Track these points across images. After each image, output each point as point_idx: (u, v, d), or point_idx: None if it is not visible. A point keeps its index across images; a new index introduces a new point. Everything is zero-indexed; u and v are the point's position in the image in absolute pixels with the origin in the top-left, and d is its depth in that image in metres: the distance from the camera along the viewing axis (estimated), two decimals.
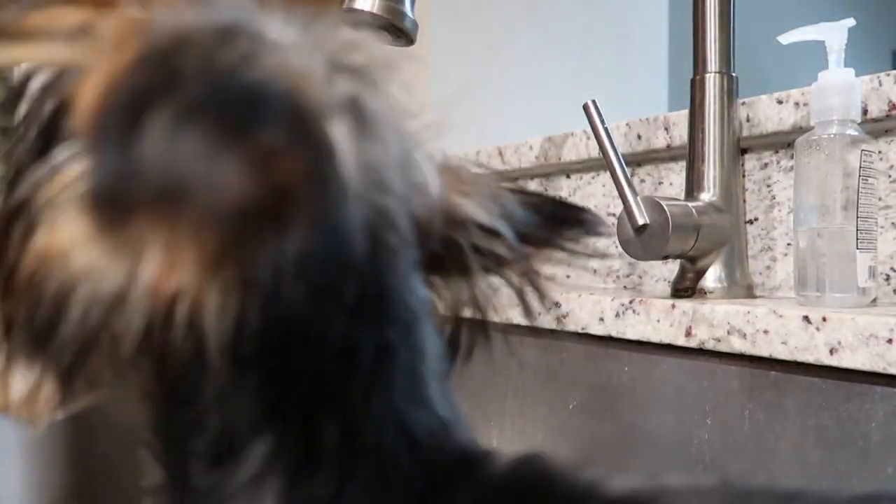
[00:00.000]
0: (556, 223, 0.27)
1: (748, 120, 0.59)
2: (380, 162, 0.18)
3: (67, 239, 0.16)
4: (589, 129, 0.59)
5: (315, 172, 0.16)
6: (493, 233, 0.24)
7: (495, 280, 0.27)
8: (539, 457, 0.21)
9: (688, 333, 0.49)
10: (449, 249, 0.24)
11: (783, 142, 0.59)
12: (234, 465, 0.19)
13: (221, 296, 0.16)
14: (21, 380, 0.21)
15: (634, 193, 0.54)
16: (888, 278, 0.52)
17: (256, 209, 0.15)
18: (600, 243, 0.75)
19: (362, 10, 0.59)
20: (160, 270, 0.16)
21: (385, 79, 0.21)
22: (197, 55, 0.16)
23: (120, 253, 0.16)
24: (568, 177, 0.80)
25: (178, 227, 0.15)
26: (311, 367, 0.18)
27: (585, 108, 0.58)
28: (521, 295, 0.27)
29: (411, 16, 0.61)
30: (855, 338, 0.40)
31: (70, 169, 0.17)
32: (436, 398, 0.20)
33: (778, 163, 0.59)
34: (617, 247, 0.72)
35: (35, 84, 0.18)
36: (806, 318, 0.42)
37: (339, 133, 0.17)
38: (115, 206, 0.15)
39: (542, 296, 0.27)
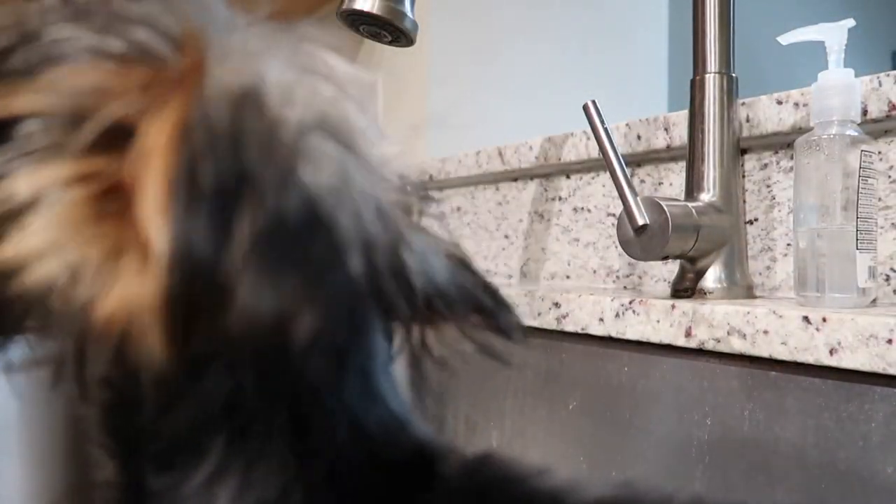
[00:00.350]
0: (472, 307, 0.26)
1: (748, 120, 0.59)
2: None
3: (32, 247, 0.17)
4: (589, 130, 0.59)
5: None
6: (409, 285, 0.24)
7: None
8: (498, 457, 0.21)
9: (688, 334, 0.49)
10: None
11: (783, 142, 0.59)
12: (189, 468, 0.19)
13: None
14: None
15: (634, 194, 0.54)
16: (888, 279, 0.52)
17: None
18: (599, 243, 0.75)
19: (362, 11, 0.59)
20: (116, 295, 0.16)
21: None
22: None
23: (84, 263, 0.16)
24: (568, 177, 0.80)
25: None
26: (264, 368, 0.19)
27: (585, 108, 0.58)
28: (410, 347, 0.26)
29: (411, 16, 0.61)
30: (855, 338, 0.40)
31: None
32: (388, 394, 0.20)
33: (778, 163, 0.59)
34: (617, 247, 0.72)
35: None
36: (806, 319, 0.42)
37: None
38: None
39: (425, 357, 0.27)
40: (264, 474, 0.18)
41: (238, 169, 0.16)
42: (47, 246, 0.16)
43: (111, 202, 0.17)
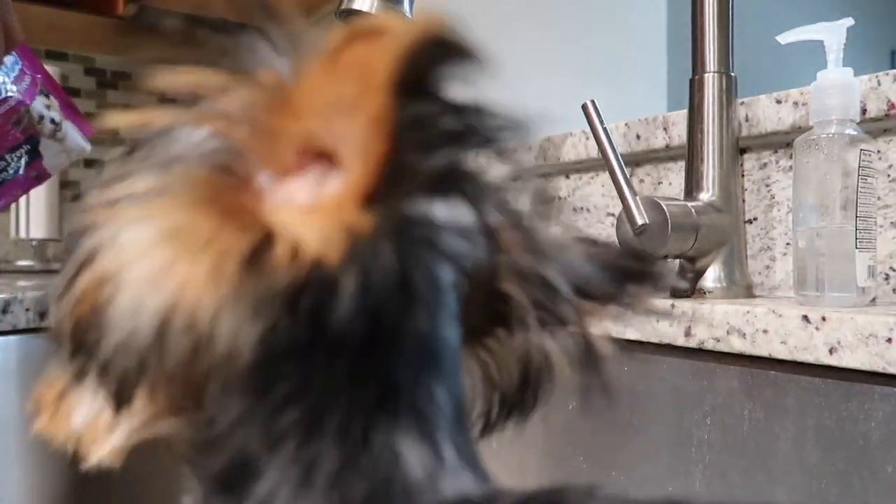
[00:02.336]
0: (622, 278, 0.26)
1: (747, 120, 0.59)
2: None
3: (123, 261, 0.17)
4: (588, 129, 0.59)
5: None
6: (552, 289, 0.24)
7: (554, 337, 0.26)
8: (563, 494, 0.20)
9: (687, 333, 0.49)
10: (508, 304, 0.24)
11: (782, 141, 0.59)
12: (243, 491, 0.19)
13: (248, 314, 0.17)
14: (82, 405, 0.22)
15: (633, 193, 0.54)
16: (887, 278, 0.52)
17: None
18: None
19: (361, 12, 0.59)
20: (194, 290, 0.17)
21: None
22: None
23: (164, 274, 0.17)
24: (567, 177, 0.80)
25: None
26: (321, 394, 0.19)
27: (584, 108, 0.58)
28: (570, 353, 0.26)
29: (410, 16, 0.61)
30: (854, 337, 0.40)
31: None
32: (442, 443, 0.20)
33: (777, 162, 0.59)
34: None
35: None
36: (805, 318, 0.42)
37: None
38: None
39: (592, 354, 0.27)
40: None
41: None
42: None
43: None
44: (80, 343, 0.19)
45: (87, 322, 0.19)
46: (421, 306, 0.19)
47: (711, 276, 0.56)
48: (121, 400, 0.19)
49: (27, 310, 0.68)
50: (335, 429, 0.19)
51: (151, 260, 0.17)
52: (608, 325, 0.27)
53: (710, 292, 0.55)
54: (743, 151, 0.61)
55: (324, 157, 0.17)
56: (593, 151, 0.74)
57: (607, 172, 0.59)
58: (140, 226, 0.17)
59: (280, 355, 0.18)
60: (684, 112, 0.60)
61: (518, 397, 0.27)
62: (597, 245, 0.25)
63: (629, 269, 0.26)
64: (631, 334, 0.53)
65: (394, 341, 0.19)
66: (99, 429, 0.22)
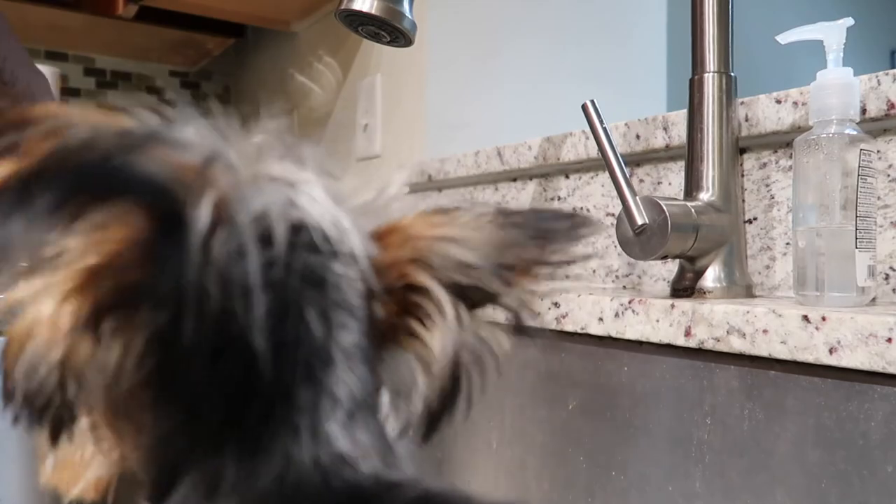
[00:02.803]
0: (543, 237, 0.27)
1: (747, 119, 0.59)
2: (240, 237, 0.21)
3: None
4: (588, 130, 0.59)
5: (158, 245, 0.20)
6: (472, 267, 0.26)
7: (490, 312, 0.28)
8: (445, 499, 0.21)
9: (687, 333, 0.49)
10: (426, 296, 0.26)
11: (782, 141, 0.59)
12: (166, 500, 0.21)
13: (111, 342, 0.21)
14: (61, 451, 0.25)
15: (633, 193, 0.54)
16: (887, 277, 0.52)
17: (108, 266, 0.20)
18: (598, 243, 0.75)
19: (360, 12, 0.59)
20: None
21: (298, 182, 0.24)
22: (88, 149, 0.20)
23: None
24: (567, 177, 0.80)
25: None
26: (212, 402, 0.21)
27: (584, 108, 0.58)
28: (516, 319, 0.28)
29: (410, 17, 0.61)
30: (854, 337, 0.40)
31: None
32: (336, 435, 0.21)
33: (777, 162, 0.59)
34: (616, 247, 0.72)
35: None
36: (805, 318, 0.42)
37: (197, 216, 0.20)
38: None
39: (533, 315, 0.28)
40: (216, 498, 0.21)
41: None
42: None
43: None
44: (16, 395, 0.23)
45: (12, 378, 0.22)
46: (300, 321, 0.22)
47: (711, 276, 0.56)
48: (53, 434, 0.23)
49: None
50: (232, 442, 0.21)
51: (37, 336, 0.21)
52: (542, 287, 0.28)
53: (709, 292, 0.55)
54: (743, 151, 0.61)
55: None
56: (593, 151, 0.74)
57: (607, 172, 0.59)
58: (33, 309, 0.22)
59: (164, 383, 0.22)
60: (684, 112, 0.60)
61: (455, 385, 0.27)
62: (509, 213, 0.27)
63: (549, 229, 0.27)
64: (631, 334, 0.53)
65: (277, 355, 0.21)
66: (76, 467, 0.25)
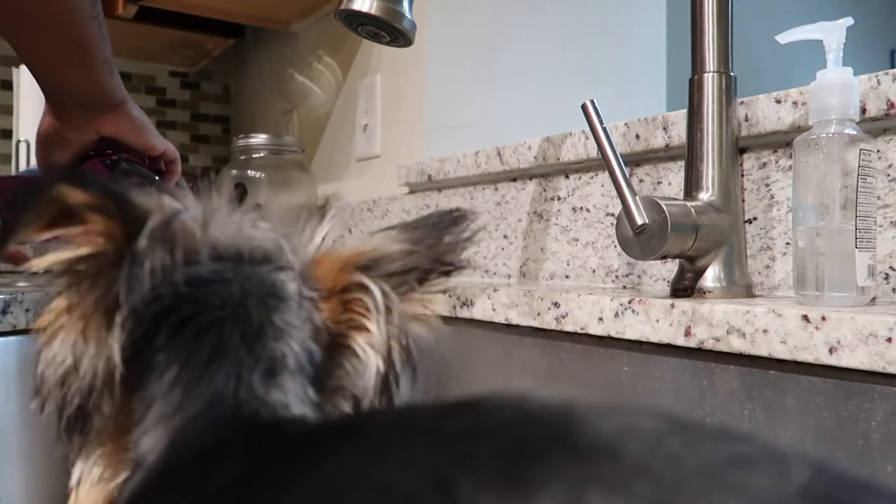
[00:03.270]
0: (437, 235, 0.35)
1: (747, 119, 0.59)
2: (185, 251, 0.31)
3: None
4: (588, 130, 0.59)
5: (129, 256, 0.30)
6: (369, 290, 0.34)
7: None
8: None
9: (687, 333, 0.49)
10: (358, 292, 0.34)
11: (782, 141, 0.59)
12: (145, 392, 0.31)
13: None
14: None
15: (633, 193, 0.54)
16: (887, 277, 0.52)
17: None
18: (598, 243, 0.75)
19: (360, 12, 0.59)
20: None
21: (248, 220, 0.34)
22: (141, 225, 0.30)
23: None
24: (567, 177, 0.80)
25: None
26: (174, 355, 0.30)
27: (584, 108, 0.58)
28: (398, 339, 0.35)
29: (409, 17, 0.61)
30: (854, 337, 0.40)
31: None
32: (256, 383, 0.30)
33: (776, 162, 0.59)
34: (616, 247, 0.72)
35: None
36: (805, 318, 0.42)
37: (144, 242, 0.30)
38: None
39: (408, 339, 0.35)
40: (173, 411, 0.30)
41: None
42: None
43: None
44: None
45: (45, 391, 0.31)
46: (242, 304, 0.31)
47: (711, 276, 0.56)
48: (70, 433, 0.32)
49: (27, 310, 0.67)
50: (183, 381, 0.30)
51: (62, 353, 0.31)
52: (436, 300, 0.35)
53: (709, 292, 0.55)
54: (742, 151, 0.61)
55: None
56: (593, 151, 0.74)
57: (607, 172, 0.59)
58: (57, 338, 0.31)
59: (144, 356, 0.30)
60: (684, 112, 0.60)
61: (393, 363, 0.35)
62: (412, 224, 0.35)
63: (440, 227, 0.35)
64: (631, 334, 0.53)
65: (221, 326, 0.31)
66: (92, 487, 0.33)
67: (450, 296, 0.70)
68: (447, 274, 0.35)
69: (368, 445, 0.22)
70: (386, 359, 0.34)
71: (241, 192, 1.17)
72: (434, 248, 0.34)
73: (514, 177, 0.88)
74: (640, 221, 0.53)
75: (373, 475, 0.20)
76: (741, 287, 0.56)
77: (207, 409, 0.29)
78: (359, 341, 0.34)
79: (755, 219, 0.60)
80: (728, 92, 0.56)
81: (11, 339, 0.66)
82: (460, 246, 0.35)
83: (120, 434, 0.31)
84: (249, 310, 0.31)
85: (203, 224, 0.32)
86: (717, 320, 0.47)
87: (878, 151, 0.52)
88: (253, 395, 0.29)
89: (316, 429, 0.28)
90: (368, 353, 0.34)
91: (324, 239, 0.35)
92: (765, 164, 0.60)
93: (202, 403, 0.29)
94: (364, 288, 0.33)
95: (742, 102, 0.59)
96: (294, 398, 0.30)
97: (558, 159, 0.78)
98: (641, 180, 0.71)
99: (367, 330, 0.34)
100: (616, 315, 0.54)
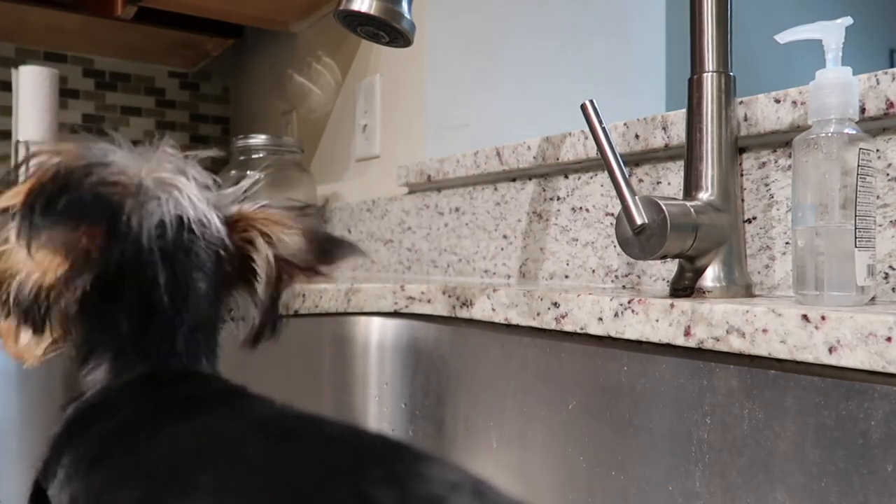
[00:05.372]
0: (320, 256, 0.44)
1: (746, 119, 0.59)
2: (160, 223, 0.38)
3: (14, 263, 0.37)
4: (587, 129, 0.59)
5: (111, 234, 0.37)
6: (270, 263, 0.43)
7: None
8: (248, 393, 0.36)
9: (686, 333, 0.49)
10: (256, 255, 0.42)
11: (781, 141, 0.59)
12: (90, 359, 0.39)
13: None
14: (23, 336, 0.40)
15: (633, 193, 0.54)
16: (887, 276, 0.52)
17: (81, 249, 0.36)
18: (598, 242, 0.75)
19: (359, 12, 0.59)
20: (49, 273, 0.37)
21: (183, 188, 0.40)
22: (65, 179, 0.35)
23: (36, 266, 0.36)
24: (566, 177, 0.80)
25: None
26: (118, 315, 0.38)
27: (583, 108, 0.58)
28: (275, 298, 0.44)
29: (409, 17, 0.61)
30: (854, 336, 0.40)
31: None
32: (179, 341, 0.38)
33: (776, 162, 0.59)
34: (615, 247, 0.72)
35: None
36: (805, 317, 0.42)
37: (136, 218, 0.37)
38: (29, 242, 0.35)
39: (282, 304, 0.44)
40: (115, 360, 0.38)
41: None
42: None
43: None
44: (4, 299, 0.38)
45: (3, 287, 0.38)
46: (176, 276, 0.38)
47: (711, 276, 0.56)
48: (34, 328, 0.38)
49: None
50: (126, 338, 0.38)
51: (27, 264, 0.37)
52: (309, 284, 0.46)
53: (709, 292, 0.55)
54: (742, 151, 0.61)
55: None
56: (592, 151, 0.74)
57: (606, 172, 0.59)
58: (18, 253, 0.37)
59: (94, 302, 0.38)
60: (683, 112, 0.60)
61: (269, 314, 0.44)
62: (310, 232, 0.43)
63: (325, 249, 0.44)
64: (630, 334, 0.53)
65: (155, 293, 0.38)
66: (30, 346, 0.41)
67: (449, 296, 0.70)
68: (313, 275, 0.44)
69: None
70: (264, 308, 0.43)
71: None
72: (315, 256, 0.43)
73: (513, 177, 0.88)
74: (639, 221, 0.53)
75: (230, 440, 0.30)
76: (741, 287, 0.56)
77: (136, 361, 0.38)
78: (250, 293, 0.43)
79: (754, 218, 0.60)
80: (727, 91, 0.56)
81: None
82: (333, 263, 0.44)
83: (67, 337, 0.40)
84: (179, 277, 0.38)
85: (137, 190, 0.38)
86: (716, 320, 0.47)
87: (877, 151, 0.52)
88: (173, 352, 0.38)
89: (199, 388, 0.38)
90: (250, 302, 0.43)
91: (242, 193, 0.43)
92: (764, 163, 0.60)
93: (139, 359, 0.38)
94: (256, 247, 0.42)
95: (741, 102, 0.59)
96: (204, 348, 0.40)
97: (558, 159, 0.78)
98: (641, 180, 0.71)
99: (255, 288, 0.43)
100: (616, 315, 0.54)
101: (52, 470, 0.36)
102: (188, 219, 0.39)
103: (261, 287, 0.43)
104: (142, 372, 0.37)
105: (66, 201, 0.34)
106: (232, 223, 0.42)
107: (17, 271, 0.37)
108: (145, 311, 0.38)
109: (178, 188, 0.39)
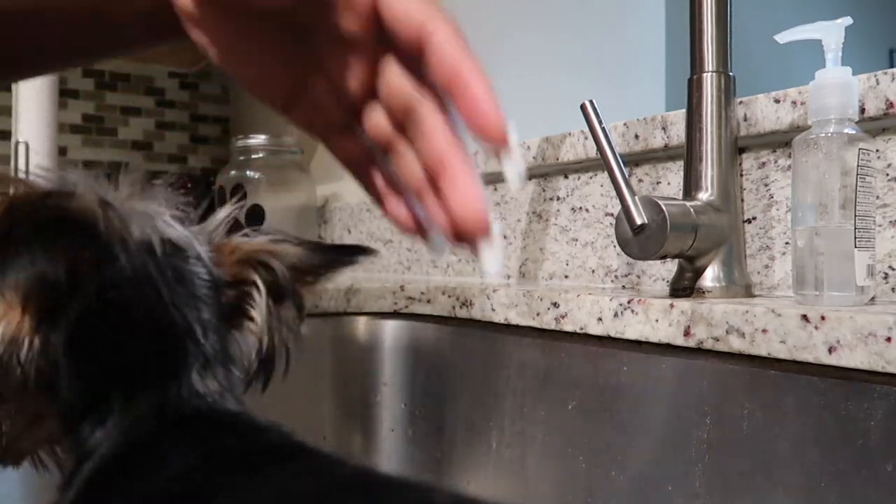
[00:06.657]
0: (321, 264, 0.41)
1: (745, 119, 0.59)
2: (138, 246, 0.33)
3: None
4: (587, 129, 0.59)
5: (97, 260, 0.32)
6: (276, 274, 0.39)
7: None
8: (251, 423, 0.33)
9: (686, 333, 0.49)
10: (251, 287, 0.39)
11: (781, 141, 0.59)
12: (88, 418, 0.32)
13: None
14: None
15: (632, 193, 0.54)
16: (886, 276, 0.52)
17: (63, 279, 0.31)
18: (598, 242, 0.75)
19: None
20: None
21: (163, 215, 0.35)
22: (28, 208, 0.32)
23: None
24: (566, 177, 0.80)
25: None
26: (116, 356, 0.33)
27: (583, 108, 0.58)
28: (298, 308, 0.40)
29: None
30: (854, 336, 0.40)
31: None
32: (195, 380, 0.33)
33: (776, 162, 0.59)
34: (615, 247, 0.72)
35: None
36: (804, 317, 0.42)
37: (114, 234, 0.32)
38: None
39: (301, 308, 0.41)
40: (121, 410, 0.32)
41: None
42: None
43: None
44: None
45: None
46: (171, 307, 0.33)
47: (710, 276, 0.56)
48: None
49: None
50: (126, 382, 0.32)
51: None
52: (316, 288, 0.42)
53: (709, 292, 0.55)
54: (741, 151, 0.61)
55: None
56: (592, 151, 0.74)
57: (606, 172, 0.59)
58: None
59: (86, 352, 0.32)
60: (683, 112, 0.60)
61: (271, 353, 0.40)
62: (306, 243, 0.41)
63: (325, 258, 0.41)
64: (630, 334, 0.53)
65: (156, 329, 0.33)
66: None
67: (449, 296, 0.70)
68: (327, 275, 0.42)
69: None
70: (266, 344, 0.39)
71: (241, 195, 1.17)
72: (322, 255, 0.41)
73: None
74: (639, 221, 0.53)
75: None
76: (740, 287, 0.56)
77: (154, 411, 0.32)
78: (248, 326, 0.40)
79: (754, 218, 0.60)
80: (727, 92, 0.56)
81: None
82: (345, 262, 0.42)
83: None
84: (177, 308, 0.34)
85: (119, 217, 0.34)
86: (716, 320, 0.47)
87: (876, 151, 0.52)
88: (194, 393, 0.33)
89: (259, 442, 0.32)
90: (251, 338, 0.39)
91: (223, 224, 0.40)
92: (764, 163, 0.60)
93: (150, 405, 0.32)
94: (255, 284, 0.39)
95: (741, 102, 0.59)
96: (224, 387, 0.35)
97: (557, 159, 0.78)
98: (640, 180, 0.71)
99: (253, 319, 0.39)
100: (615, 315, 0.54)
101: None
102: (174, 241, 0.35)
103: (257, 316, 0.39)
104: (169, 414, 0.32)
105: (24, 231, 0.31)
106: (220, 253, 0.38)
107: None
108: (151, 342, 0.33)
109: (151, 214, 0.35)
